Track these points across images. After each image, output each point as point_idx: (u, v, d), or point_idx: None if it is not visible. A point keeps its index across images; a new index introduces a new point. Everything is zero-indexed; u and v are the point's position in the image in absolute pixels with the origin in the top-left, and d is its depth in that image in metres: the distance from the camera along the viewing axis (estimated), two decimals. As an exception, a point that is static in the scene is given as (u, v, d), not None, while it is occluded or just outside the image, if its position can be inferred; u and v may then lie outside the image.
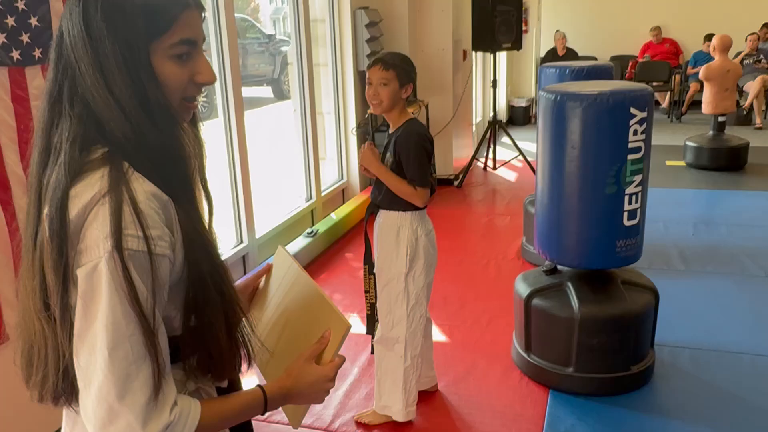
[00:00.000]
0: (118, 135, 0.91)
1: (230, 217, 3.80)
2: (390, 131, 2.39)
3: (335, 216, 4.69)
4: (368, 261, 2.53)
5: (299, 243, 4.16)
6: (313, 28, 4.79)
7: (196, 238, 0.95)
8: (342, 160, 5.35)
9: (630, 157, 2.47)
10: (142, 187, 0.89)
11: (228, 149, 3.71)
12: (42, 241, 0.90)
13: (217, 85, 3.66)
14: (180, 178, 0.96)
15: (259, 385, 1.04)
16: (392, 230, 2.38)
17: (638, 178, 2.52)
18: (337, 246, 4.53)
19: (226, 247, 3.75)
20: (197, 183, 1.02)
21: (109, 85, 0.89)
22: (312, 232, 4.31)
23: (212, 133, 4.32)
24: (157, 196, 0.90)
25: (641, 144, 2.48)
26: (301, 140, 4.65)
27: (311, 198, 4.76)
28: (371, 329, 2.62)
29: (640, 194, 2.55)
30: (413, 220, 2.38)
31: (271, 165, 6.78)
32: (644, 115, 2.45)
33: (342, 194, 5.38)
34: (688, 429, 2.48)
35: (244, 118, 3.75)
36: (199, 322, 0.97)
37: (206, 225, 1.01)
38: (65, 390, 0.93)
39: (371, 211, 2.47)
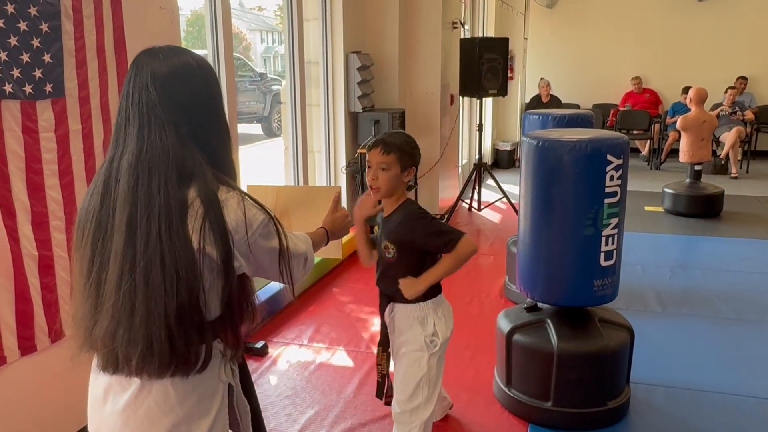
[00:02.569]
0: (221, 161, 1.32)
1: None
2: (384, 215, 2.25)
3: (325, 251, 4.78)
4: (385, 346, 2.33)
5: (288, 277, 4.24)
6: (307, 70, 4.97)
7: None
8: (331, 197, 5.46)
9: (607, 201, 2.61)
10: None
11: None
12: (193, 247, 1.21)
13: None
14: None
15: (322, 227, 1.76)
16: (415, 322, 2.23)
17: (614, 220, 2.66)
18: (325, 281, 4.62)
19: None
20: None
21: (220, 123, 1.35)
22: (300, 266, 4.40)
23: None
24: None
25: (617, 189, 2.63)
26: (292, 177, 4.78)
27: (300, 233, 4.86)
28: (380, 394, 2.41)
29: (616, 236, 2.69)
30: (436, 306, 2.25)
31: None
32: (620, 161, 2.60)
33: (330, 230, 5.48)
34: (661, 463, 2.57)
35: (239, 153, 3.87)
36: (231, 306, 1.33)
37: None
38: (192, 362, 1.25)
39: (385, 302, 2.30)
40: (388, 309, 2.29)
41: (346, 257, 4.87)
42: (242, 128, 11.31)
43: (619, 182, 2.62)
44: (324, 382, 3.22)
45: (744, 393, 3.07)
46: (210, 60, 3.69)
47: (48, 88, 2.34)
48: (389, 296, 2.26)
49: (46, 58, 2.33)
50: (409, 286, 2.17)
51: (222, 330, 1.30)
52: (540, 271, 2.78)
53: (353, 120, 5.37)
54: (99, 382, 1.32)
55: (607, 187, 2.60)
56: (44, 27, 2.30)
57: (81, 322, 1.26)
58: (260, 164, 8.97)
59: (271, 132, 11.80)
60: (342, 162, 5.40)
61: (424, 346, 2.22)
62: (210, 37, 3.66)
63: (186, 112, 1.25)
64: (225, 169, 1.33)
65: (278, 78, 13.10)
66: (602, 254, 2.67)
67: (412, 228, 2.15)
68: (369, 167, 2.14)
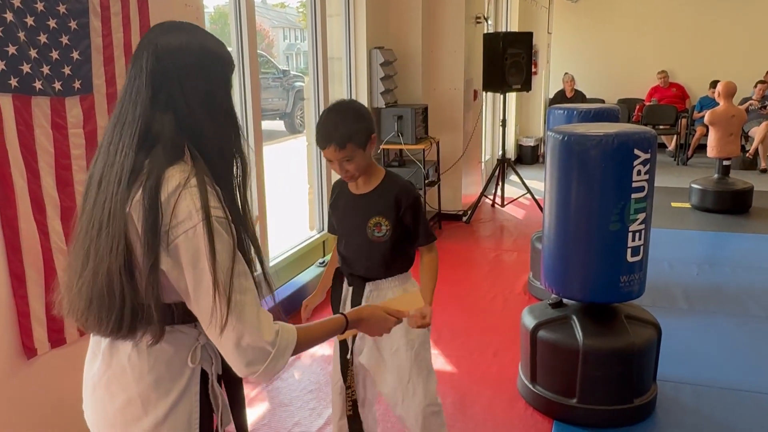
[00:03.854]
0: (203, 136, 1.22)
1: (245, 245, 3.92)
2: (360, 191, 2.04)
3: (346, 247, 4.80)
4: (345, 350, 2.13)
5: (312, 272, 4.27)
6: (330, 66, 4.98)
7: (247, 221, 1.28)
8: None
9: (634, 195, 2.58)
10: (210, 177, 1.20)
11: (246, 179, 3.84)
12: (128, 213, 1.16)
13: (238, 117, 3.82)
14: (243, 180, 1.30)
15: (341, 313, 1.45)
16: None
17: (641, 216, 2.63)
18: (348, 276, 4.62)
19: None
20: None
21: (209, 101, 1.23)
22: (324, 262, 4.42)
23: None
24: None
25: (645, 184, 2.59)
26: (315, 173, 4.80)
27: (323, 229, 4.88)
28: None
29: (643, 232, 2.66)
30: (410, 276, 2.12)
31: (283, 196, 6.92)
32: (647, 156, 2.57)
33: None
34: (688, 462, 2.54)
35: (262, 149, 3.90)
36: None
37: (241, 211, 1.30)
38: (130, 326, 1.21)
39: (349, 285, 2.11)
40: (365, 291, 2.07)
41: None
42: (265, 125, 11.32)
43: (646, 177, 2.59)
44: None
45: (774, 392, 3.02)
46: (234, 57, 3.71)
47: (77, 84, 2.38)
48: (364, 277, 2.07)
49: (75, 55, 2.36)
50: (419, 317, 1.85)
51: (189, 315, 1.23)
52: (565, 267, 2.76)
53: (376, 116, 5.37)
54: (89, 346, 1.38)
55: (634, 182, 2.57)
56: (73, 24, 2.33)
57: (65, 286, 1.29)
58: (283, 161, 9.01)
59: (293, 128, 11.85)
60: (365, 158, 5.40)
61: (412, 334, 2.09)
62: (234, 35, 3.69)
63: (171, 82, 1.20)
64: (215, 155, 1.24)
65: (301, 75, 13.14)
66: (629, 250, 2.64)
67: (409, 206, 2.01)
68: (330, 161, 1.94)
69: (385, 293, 2.07)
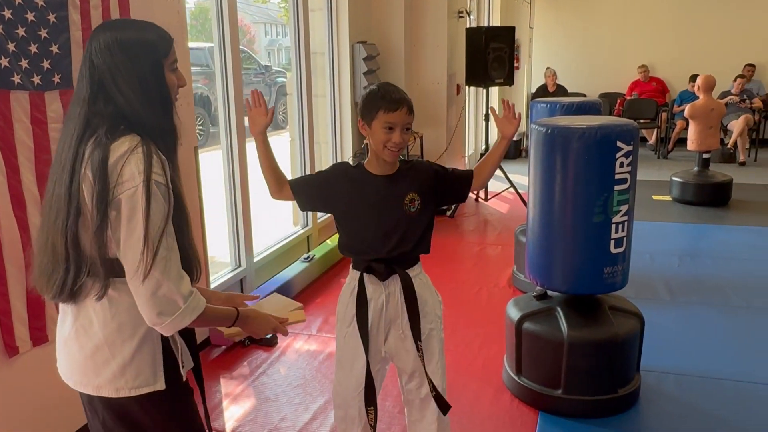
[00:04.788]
0: (142, 120, 1.38)
1: (229, 241, 3.90)
2: (387, 172, 2.02)
3: (331, 242, 4.79)
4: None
5: (296, 268, 4.26)
6: (313, 60, 4.96)
7: (178, 189, 1.44)
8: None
9: (617, 187, 2.60)
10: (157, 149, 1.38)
11: (229, 175, 3.83)
12: (79, 185, 1.34)
13: (220, 112, 3.80)
14: (174, 148, 1.46)
15: (235, 307, 1.57)
16: (426, 287, 2.11)
17: (624, 207, 2.65)
18: (333, 271, 4.62)
19: (225, 270, 3.84)
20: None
21: (143, 89, 1.39)
22: (308, 257, 4.41)
23: (212, 160, 4.48)
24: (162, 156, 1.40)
25: (627, 176, 2.61)
26: (299, 168, 4.78)
27: (307, 224, 4.87)
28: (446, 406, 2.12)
29: (626, 223, 2.68)
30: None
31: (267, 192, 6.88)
32: (630, 148, 2.59)
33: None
34: (672, 450, 2.57)
35: (245, 145, 3.88)
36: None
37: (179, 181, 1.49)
38: (71, 289, 1.40)
39: (387, 275, 2.04)
40: (392, 283, 2.04)
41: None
42: (246, 121, 11.27)
43: (629, 169, 2.61)
44: (333, 371, 3.22)
45: (754, 380, 3.06)
46: (216, 53, 3.69)
47: (56, 78, 2.34)
48: (387, 260, 2.03)
49: (54, 48, 2.33)
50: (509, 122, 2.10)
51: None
52: (549, 259, 2.77)
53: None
54: (60, 310, 1.53)
55: (617, 174, 2.59)
56: (51, 17, 2.30)
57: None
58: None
59: (276, 124, 11.78)
60: (348, 152, 5.39)
61: (438, 315, 2.13)
62: (216, 30, 3.66)
63: (106, 81, 1.37)
64: (155, 134, 1.40)
65: (283, 70, 13.07)
66: (612, 241, 2.66)
67: (438, 170, 2.08)
68: (391, 129, 1.91)
69: (426, 285, 2.11)
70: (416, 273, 2.09)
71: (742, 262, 4.73)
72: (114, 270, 1.38)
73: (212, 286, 3.53)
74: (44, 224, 1.43)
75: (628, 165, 2.60)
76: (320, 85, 5.23)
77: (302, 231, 4.79)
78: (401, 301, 2.04)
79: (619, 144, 2.56)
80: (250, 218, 3.94)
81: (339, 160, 5.41)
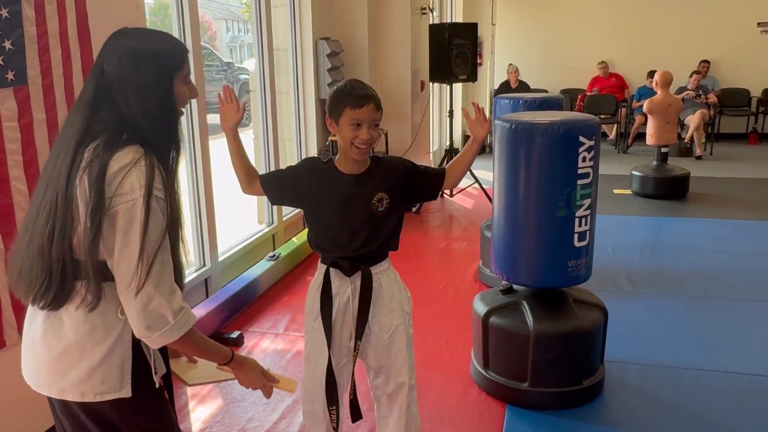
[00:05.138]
0: (145, 132, 1.37)
1: (193, 240, 3.84)
2: (356, 171, 2.01)
3: (296, 240, 4.76)
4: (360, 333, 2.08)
5: (262, 266, 4.22)
6: (276, 57, 4.91)
7: (177, 202, 1.42)
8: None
9: (579, 182, 2.64)
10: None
11: (192, 173, 3.77)
12: (74, 191, 1.31)
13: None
14: (176, 161, 1.45)
15: (231, 349, 1.57)
16: (394, 282, 2.12)
17: (587, 201, 2.69)
18: (299, 269, 4.59)
19: (189, 270, 3.79)
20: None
21: (149, 101, 1.38)
22: (274, 255, 4.37)
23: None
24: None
25: (590, 170, 2.65)
26: (263, 166, 4.73)
27: (273, 223, 4.83)
28: (358, 414, 2.15)
29: (589, 217, 2.72)
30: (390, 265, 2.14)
31: (231, 190, 6.81)
32: (592, 143, 2.63)
33: (302, 219, 5.46)
34: (636, 439, 2.63)
35: (208, 143, 3.82)
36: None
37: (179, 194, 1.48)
38: (69, 292, 1.36)
39: (353, 270, 2.04)
40: (359, 278, 2.03)
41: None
42: (210, 119, 11.14)
43: (591, 163, 2.65)
44: (301, 370, 3.19)
45: (714, 368, 3.15)
46: (177, 47, 3.62)
47: (10, 75, 2.27)
48: (353, 258, 2.03)
49: (7, 44, 2.26)
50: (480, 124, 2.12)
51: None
52: (515, 254, 2.80)
53: (324, 107, 5.32)
54: (28, 311, 1.50)
55: (580, 168, 2.62)
56: (4, 12, 2.23)
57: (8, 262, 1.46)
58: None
59: (240, 123, 11.65)
60: (313, 150, 5.36)
61: (406, 311, 2.13)
62: (176, 26, 3.59)
63: (114, 90, 1.37)
64: (157, 147, 1.38)
65: (245, 67, 12.92)
66: (576, 235, 2.70)
67: (410, 167, 2.09)
68: (358, 125, 1.89)
69: (392, 280, 2.12)
70: (384, 269, 2.09)
71: (700, 254, 4.85)
72: (104, 274, 1.35)
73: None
74: (29, 227, 1.38)
75: (590, 159, 2.64)
76: (284, 82, 5.19)
77: (267, 229, 4.74)
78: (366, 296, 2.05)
79: (581, 139, 2.60)
80: (214, 217, 3.89)
81: (304, 157, 5.37)
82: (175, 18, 3.58)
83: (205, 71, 11.42)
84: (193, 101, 3.69)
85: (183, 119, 3.79)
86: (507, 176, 2.75)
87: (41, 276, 1.35)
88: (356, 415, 2.13)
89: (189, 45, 3.61)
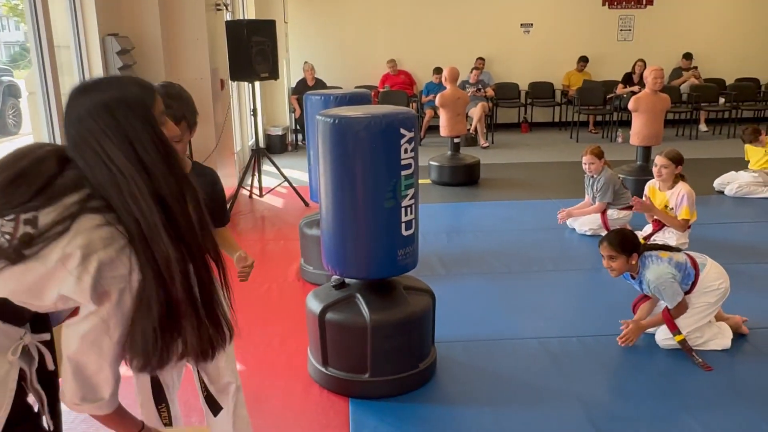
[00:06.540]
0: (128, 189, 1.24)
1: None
2: None
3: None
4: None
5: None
6: (57, 55, 4.41)
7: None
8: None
9: (403, 173, 2.73)
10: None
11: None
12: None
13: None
14: (184, 199, 1.33)
15: (142, 422, 1.50)
16: None
17: (411, 191, 2.80)
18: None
19: None
20: None
21: (137, 149, 1.25)
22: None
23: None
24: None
25: (411, 161, 2.76)
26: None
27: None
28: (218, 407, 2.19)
29: (413, 206, 2.84)
30: None
31: None
32: (412, 135, 2.73)
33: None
34: (471, 410, 2.80)
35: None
36: None
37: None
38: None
39: None
40: None
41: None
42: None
43: (412, 155, 2.75)
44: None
45: (526, 335, 3.46)
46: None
47: None
48: None
49: None
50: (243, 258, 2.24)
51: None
52: (346, 248, 2.82)
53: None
54: None
55: (403, 159, 2.71)
56: None
57: None
58: None
59: (6, 130, 10.32)
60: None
61: None
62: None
63: (86, 149, 1.25)
64: (135, 202, 1.24)
65: (8, 68, 11.46)
66: (403, 224, 2.79)
67: (215, 192, 2.16)
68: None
69: None
70: None
71: (497, 233, 5.30)
72: None
73: None
74: None
75: (411, 151, 2.74)
76: (68, 83, 4.68)
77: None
78: None
79: (402, 131, 2.69)
80: None
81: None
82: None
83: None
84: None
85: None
86: (333, 171, 2.75)
87: None
88: (216, 408, 2.16)
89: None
